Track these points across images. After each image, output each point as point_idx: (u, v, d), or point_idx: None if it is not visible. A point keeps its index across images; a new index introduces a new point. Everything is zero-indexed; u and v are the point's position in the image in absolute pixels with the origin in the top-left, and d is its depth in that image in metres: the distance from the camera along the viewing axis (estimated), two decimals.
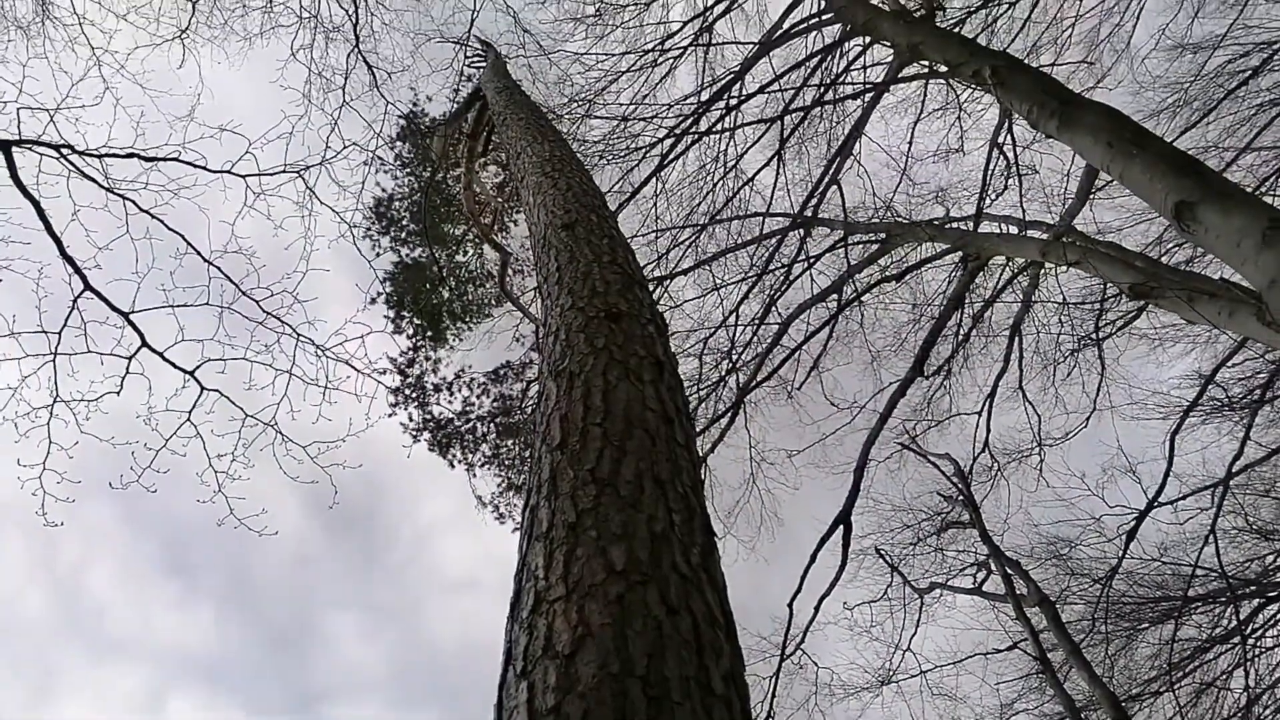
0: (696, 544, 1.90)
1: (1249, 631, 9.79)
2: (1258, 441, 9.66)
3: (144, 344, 7.46)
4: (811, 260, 10.81)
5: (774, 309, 10.91)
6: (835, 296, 10.69)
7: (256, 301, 7.96)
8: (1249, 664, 9.57)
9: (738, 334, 10.94)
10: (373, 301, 11.21)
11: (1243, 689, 9.54)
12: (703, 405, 10.75)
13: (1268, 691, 9.63)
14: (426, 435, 10.95)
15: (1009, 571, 10.88)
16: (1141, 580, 10.64)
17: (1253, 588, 10.09)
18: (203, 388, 7.72)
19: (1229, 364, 9.57)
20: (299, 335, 8.13)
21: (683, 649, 1.54)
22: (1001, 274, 10.64)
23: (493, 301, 12.16)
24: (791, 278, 10.83)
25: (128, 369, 7.44)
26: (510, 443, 10.89)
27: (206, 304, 7.66)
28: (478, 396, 11.16)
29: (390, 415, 10.94)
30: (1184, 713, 9.79)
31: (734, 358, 10.95)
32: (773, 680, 9.83)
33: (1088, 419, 10.68)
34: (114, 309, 7.33)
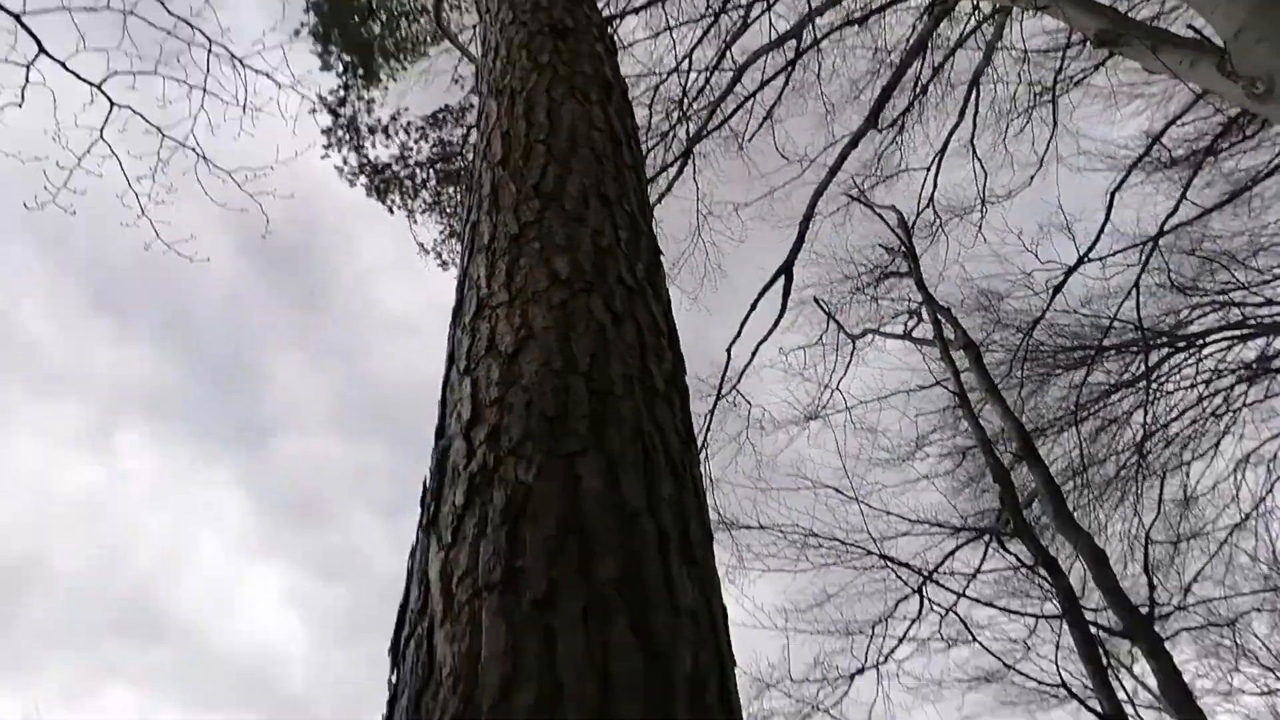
0: (641, 259, 1.88)
1: (1154, 377, 10.54)
2: (1193, 201, 9.81)
3: (41, 50, 6.73)
4: (771, 1, 10.14)
5: (729, 54, 10.36)
6: (794, 42, 10.16)
7: (163, 3, 7.18)
8: (1149, 405, 10.39)
9: (690, 81, 10.45)
10: (295, 34, 10.30)
11: (1140, 425, 10.42)
12: (650, 155, 10.45)
13: (1161, 430, 10.55)
14: (364, 179, 10.52)
15: (939, 317, 11.27)
16: (1062, 331, 11.20)
17: (1164, 339, 10.70)
18: (112, 103, 7.14)
19: (1179, 122, 9.53)
20: (212, 42, 7.46)
21: (627, 354, 1.55)
22: (967, 23, 10.18)
23: (428, 39, 11.27)
24: (749, 20, 10.19)
25: (27, 78, 6.78)
26: (451, 190, 10.55)
27: (108, 8, 6.88)
28: (415, 141, 10.62)
29: (324, 158, 10.43)
30: (1084, 446, 10.71)
31: (685, 107, 10.52)
32: (708, 416, 10.46)
33: (1032, 177, 10.70)
34: (3, 9, 6.56)
